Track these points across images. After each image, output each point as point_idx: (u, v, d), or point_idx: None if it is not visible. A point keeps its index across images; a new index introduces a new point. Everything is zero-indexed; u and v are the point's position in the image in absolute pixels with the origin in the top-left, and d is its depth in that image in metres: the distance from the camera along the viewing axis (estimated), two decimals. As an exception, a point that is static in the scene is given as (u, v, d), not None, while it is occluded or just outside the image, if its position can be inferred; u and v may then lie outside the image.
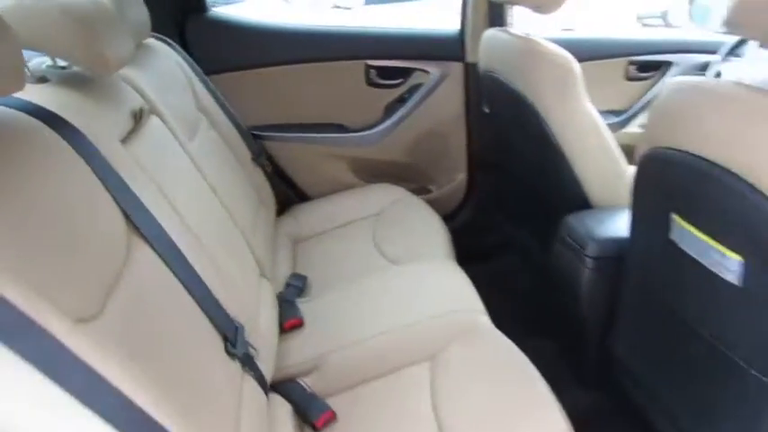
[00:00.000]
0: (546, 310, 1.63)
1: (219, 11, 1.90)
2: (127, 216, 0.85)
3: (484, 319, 1.23)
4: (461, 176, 2.02)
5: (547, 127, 1.38)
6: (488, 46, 1.61)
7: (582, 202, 1.41)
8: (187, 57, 1.57)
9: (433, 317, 1.24)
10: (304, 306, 1.35)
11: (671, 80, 0.99)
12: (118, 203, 0.84)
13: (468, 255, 1.60)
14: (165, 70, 1.38)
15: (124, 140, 1.00)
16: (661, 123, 0.98)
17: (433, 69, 1.89)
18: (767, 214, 0.79)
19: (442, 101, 1.92)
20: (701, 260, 0.92)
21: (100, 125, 0.91)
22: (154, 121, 1.16)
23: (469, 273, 1.41)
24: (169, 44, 1.52)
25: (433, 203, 1.79)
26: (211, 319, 0.94)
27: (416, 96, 1.91)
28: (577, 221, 1.34)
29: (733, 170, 0.83)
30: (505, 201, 1.90)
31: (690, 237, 0.94)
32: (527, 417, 1.01)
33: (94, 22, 0.96)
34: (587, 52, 1.85)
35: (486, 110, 1.76)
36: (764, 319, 0.82)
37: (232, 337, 0.97)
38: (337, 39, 1.92)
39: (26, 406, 0.50)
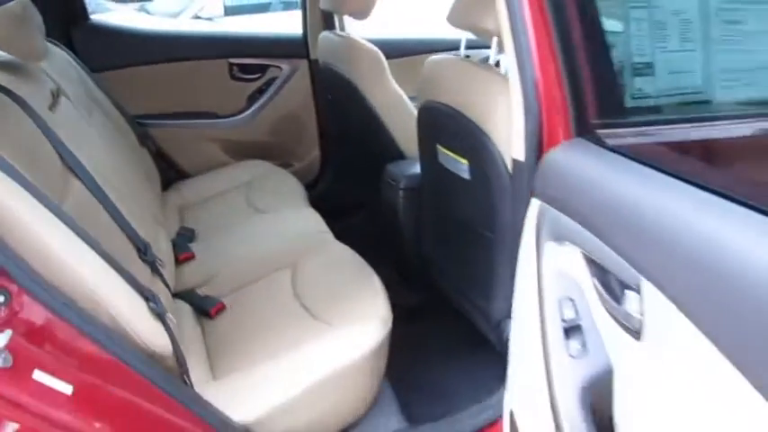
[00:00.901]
0: (382, 239, 2.14)
1: (100, 18, 2.22)
2: (62, 158, 1.22)
3: (330, 237, 1.71)
4: (316, 152, 2.50)
5: (368, 103, 1.91)
6: (323, 45, 2.12)
7: (398, 155, 1.95)
8: (75, 57, 1.89)
9: (292, 237, 1.70)
10: (194, 246, 1.74)
11: (429, 58, 1.54)
12: (55, 148, 1.21)
13: (328, 216, 1.95)
14: (62, 66, 1.71)
15: (50, 109, 1.35)
16: (424, 86, 1.53)
17: (285, 65, 2.36)
18: (478, 137, 1.33)
19: (294, 91, 2.39)
20: (452, 170, 1.46)
21: (34, 97, 1.26)
22: (64, 100, 1.51)
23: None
24: (60, 47, 1.84)
25: (295, 176, 2.23)
26: (127, 235, 1.33)
27: (273, 88, 2.37)
28: (394, 167, 1.87)
29: (463, 112, 1.38)
30: (352, 167, 2.40)
31: (446, 157, 1.48)
32: (362, 297, 1.42)
33: (27, 19, 1.31)
34: (399, 49, 2.42)
35: (329, 96, 2.26)
36: (482, 197, 1.36)
37: (144, 249, 1.36)
38: (204, 41, 2.34)
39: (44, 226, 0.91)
